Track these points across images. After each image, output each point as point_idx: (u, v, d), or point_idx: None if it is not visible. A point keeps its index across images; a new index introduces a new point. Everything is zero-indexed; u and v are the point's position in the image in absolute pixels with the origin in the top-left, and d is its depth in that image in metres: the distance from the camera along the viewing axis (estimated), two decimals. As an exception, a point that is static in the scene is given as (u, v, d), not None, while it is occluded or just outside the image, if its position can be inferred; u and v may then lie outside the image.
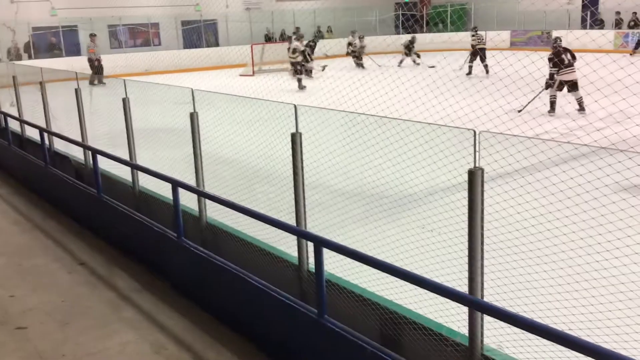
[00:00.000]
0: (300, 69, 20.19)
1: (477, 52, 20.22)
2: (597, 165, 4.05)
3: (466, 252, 3.34)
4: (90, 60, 21.90)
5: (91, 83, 18.93)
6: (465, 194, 3.28)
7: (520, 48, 28.49)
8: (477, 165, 3.24)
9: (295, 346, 4.14)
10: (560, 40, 13.72)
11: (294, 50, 20.95)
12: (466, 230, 3.31)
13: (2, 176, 10.25)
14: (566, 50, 13.28)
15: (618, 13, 26.59)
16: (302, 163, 4.57)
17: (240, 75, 23.79)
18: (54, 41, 26.62)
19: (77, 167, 8.61)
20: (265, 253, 5.07)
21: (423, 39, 30.06)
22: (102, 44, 27.53)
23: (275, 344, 4.34)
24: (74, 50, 26.72)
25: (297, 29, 27.76)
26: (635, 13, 26.26)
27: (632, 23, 26.35)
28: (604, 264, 3.97)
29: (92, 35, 22.59)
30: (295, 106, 4.47)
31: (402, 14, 35.15)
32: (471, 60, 20.55)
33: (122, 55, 24.95)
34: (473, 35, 21.43)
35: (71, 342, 4.72)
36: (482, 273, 3.35)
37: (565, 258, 4.11)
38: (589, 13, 28.19)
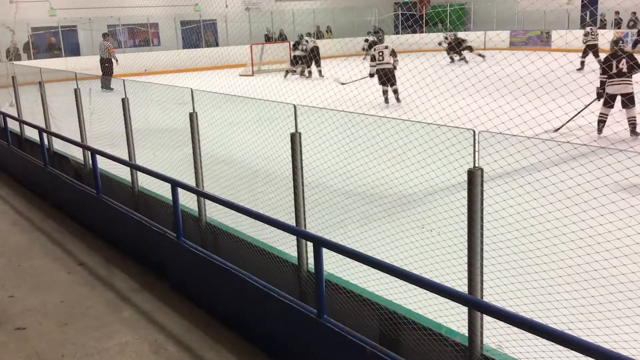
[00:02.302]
0: (391, 77, 15.08)
1: (588, 50, 20.34)
2: (596, 165, 4.05)
3: (466, 252, 3.34)
4: (108, 61, 21.47)
5: (108, 87, 17.01)
6: (465, 193, 3.28)
7: (520, 48, 28.52)
8: (476, 165, 3.24)
9: (295, 346, 4.14)
10: (622, 43, 11.17)
11: (379, 54, 15.54)
12: (466, 230, 3.31)
13: (1, 177, 10.24)
14: (623, 55, 10.51)
15: (617, 13, 26.61)
16: (301, 163, 4.57)
17: (240, 75, 23.80)
18: (53, 41, 26.61)
19: (77, 167, 8.61)
20: (265, 253, 5.07)
21: (422, 39, 30.05)
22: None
23: (275, 344, 4.34)
24: (73, 50, 26.72)
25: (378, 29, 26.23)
26: (634, 13, 26.28)
27: (631, 23, 26.36)
28: (604, 264, 3.97)
29: (107, 35, 22.48)
30: (294, 106, 4.48)
31: (402, 14, 35.15)
32: (583, 56, 20.52)
33: (121, 55, 24.92)
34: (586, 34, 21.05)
35: (70, 342, 4.71)
36: (482, 273, 3.35)
37: (564, 258, 4.11)
38: (588, 13, 28.19)
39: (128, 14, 27.86)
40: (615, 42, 11.19)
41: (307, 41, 23.22)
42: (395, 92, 15.30)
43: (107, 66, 21.44)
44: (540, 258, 4.49)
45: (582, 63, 20.49)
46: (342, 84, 16.16)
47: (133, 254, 6.30)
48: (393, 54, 15.48)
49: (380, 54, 15.53)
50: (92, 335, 4.79)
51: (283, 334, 4.24)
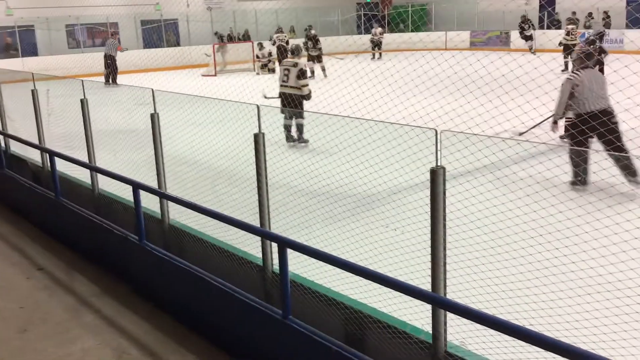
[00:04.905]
0: (294, 106, 10.56)
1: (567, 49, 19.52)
2: (555, 163, 4.14)
3: (429, 250, 3.37)
4: (112, 58, 21.54)
5: (113, 82, 18.80)
6: (428, 192, 3.31)
7: (480, 48, 28.98)
8: (439, 164, 3.27)
9: (261, 347, 4.12)
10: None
11: (285, 72, 10.87)
12: (429, 228, 3.35)
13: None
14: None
15: (574, 13, 27.21)
16: (265, 163, 4.56)
17: (202, 75, 23.60)
18: (9, 41, 26.02)
19: (34, 170, 8.44)
20: (229, 255, 5.04)
21: (384, 39, 30.24)
22: (59, 44, 27.09)
23: (240, 346, 4.31)
24: (30, 50, 26.15)
25: None
26: (590, 13, 26.92)
27: (588, 23, 26.99)
28: (563, 259, 4.06)
29: (115, 33, 22.44)
30: (257, 106, 4.46)
31: (364, 14, 35.35)
32: (567, 56, 19.44)
33: (80, 55, 24.48)
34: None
35: (30, 349, 4.61)
36: (445, 271, 3.39)
37: (525, 255, 4.18)
38: (546, 13, 28.77)
39: (87, 14, 27.36)
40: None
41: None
42: (299, 127, 10.36)
43: (109, 63, 21.20)
44: (502, 255, 4.56)
45: (567, 64, 19.62)
46: (266, 97, 11.49)
47: (94, 258, 6.19)
48: (301, 75, 10.62)
49: (286, 72, 10.75)
50: (53, 341, 4.69)
51: (248, 336, 4.22)
